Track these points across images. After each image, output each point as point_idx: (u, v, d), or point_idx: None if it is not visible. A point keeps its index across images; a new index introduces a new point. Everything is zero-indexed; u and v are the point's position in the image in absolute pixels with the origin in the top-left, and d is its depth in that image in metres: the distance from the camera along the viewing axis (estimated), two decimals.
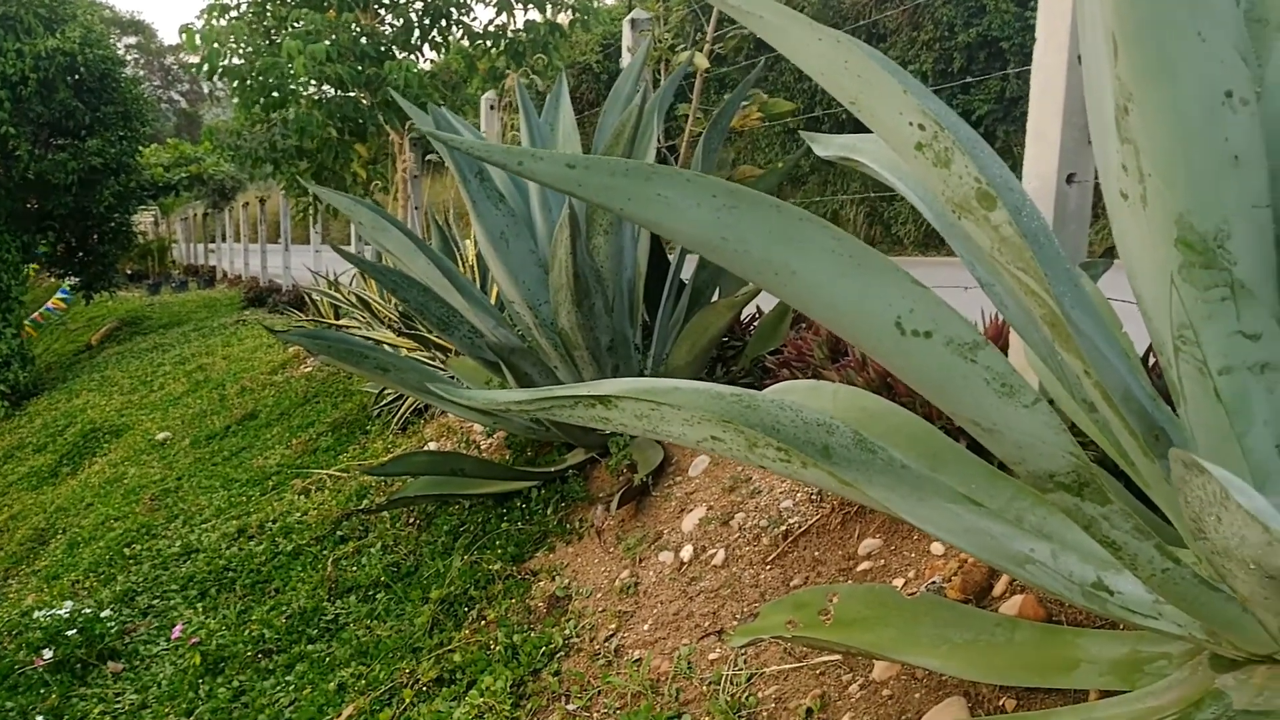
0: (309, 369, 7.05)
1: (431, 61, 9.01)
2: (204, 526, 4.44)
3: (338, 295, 6.64)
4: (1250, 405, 0.98)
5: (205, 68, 7.46)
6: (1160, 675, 1.24)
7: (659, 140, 3.28)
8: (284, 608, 3.16)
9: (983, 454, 1.37)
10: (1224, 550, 0.68)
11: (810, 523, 2.10)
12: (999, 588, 1.62)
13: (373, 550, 3.31)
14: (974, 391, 0.96)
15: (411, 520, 3.45)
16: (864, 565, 1.90)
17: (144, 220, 25.58)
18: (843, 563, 1.95)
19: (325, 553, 3.52)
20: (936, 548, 1.83)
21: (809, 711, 1.61)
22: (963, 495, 1.27)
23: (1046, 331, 1.15)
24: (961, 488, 1.33)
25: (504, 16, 8.35)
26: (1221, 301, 0.94)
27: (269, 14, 8.06)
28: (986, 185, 1.06)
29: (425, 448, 4.09)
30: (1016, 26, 12.70)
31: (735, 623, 1.94)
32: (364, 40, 7.58)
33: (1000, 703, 1.43)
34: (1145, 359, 1.66)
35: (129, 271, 22.49)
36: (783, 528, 2.14)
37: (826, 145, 1.75)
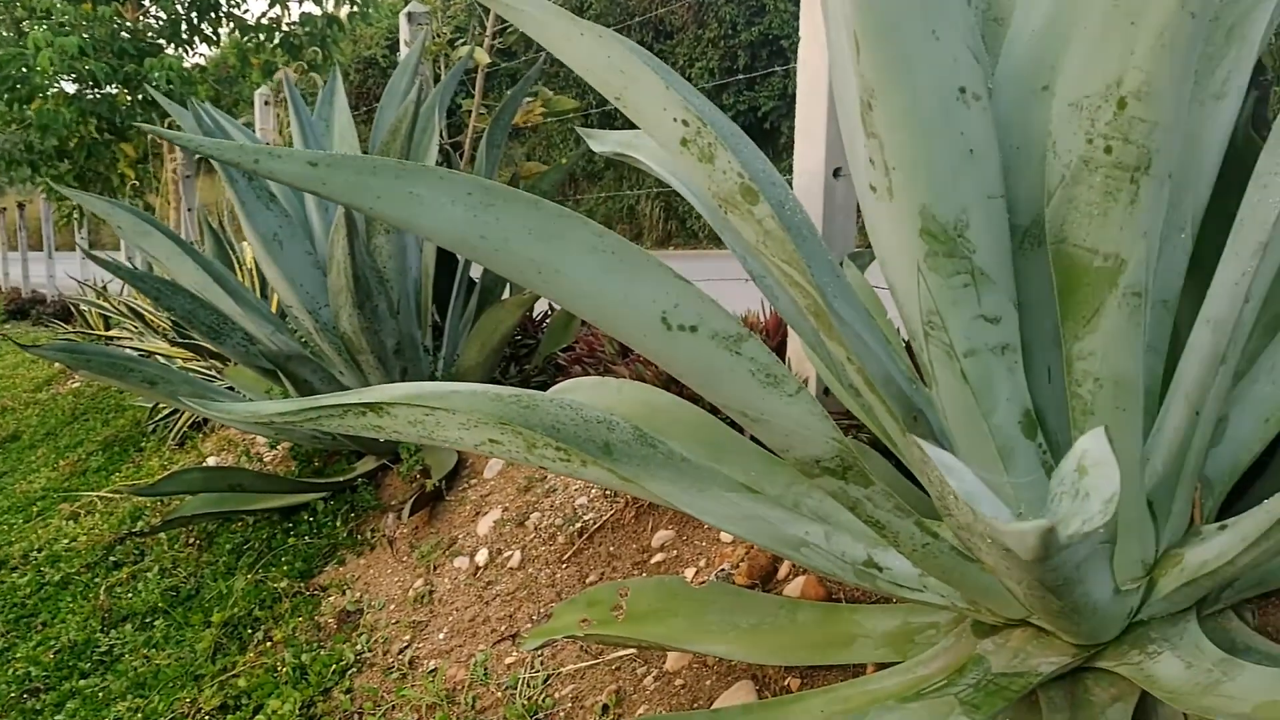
0: (77, 384, 6.57)
1: (204, 57, 8.56)
2: None
3: (106, 305, 6.22)
4: (994, 385, 1.04)
5: None
6: (930, 644, 1.30)
7: (442, 137, 3.22)
8: (52, 642, 2.92)
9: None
10: (965, 525, 0.71)
11: (605, 518, 2.11)
12: (783, 571, 1.67)
13: (149, 575, 3.11)
14: (740, 383, 0.98)
15: (191, 541, 3.26)
16: (658, 557, 1.92)
17: None
18: (637, 556, 1.97)
19: (97, 580, 3.28)
20: (726, 536, 1.86)
21: (605, 708, 1.61)
22: (742, 484, 1.29)
23: (812, 321, 1.18)
24: (742, 477, 1.36)
25: (278, 9, 8.01)
26: (964, 288, 0.99)
27: (19, 4, 7.45)
28: (749, 180, 1.08)
29: (204, 463, 3.88)
30: (794, 25, 13.19)
31: (531, 625, 1.92)
32: (125, 35, 7.10)
33: (786, 683, 1.47)
34: (909, 345, 1.74)
35: None
36: (578, 525, 2.13)
37: (603, 141, 1.75)
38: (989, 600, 1.15)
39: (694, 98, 1.20)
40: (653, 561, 1.92)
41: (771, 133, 13.73)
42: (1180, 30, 0.78)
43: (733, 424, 1.63)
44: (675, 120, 1.10)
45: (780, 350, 2.13)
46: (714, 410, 1.64)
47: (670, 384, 2.07)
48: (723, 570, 1.73)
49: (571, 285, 0.91)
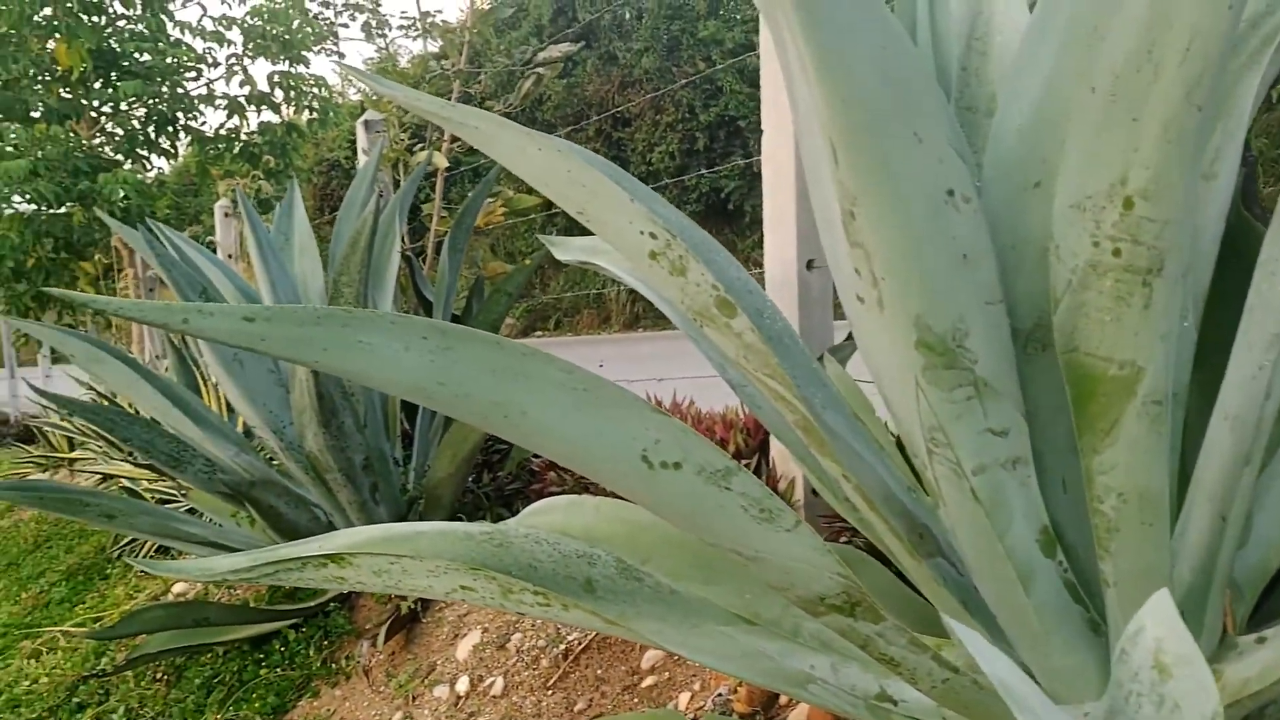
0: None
1: (159, 170, 8.53)
2: None
3: (69, 425, 6.05)
4: (1007, 502, 0.96)
5: None
6: None
7: (404, 242, 3.16)
8: None
9: None
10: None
11: (590, 638, 2.00)
12: (784, 696, 1.56)
13: (115, 717, 2.95)
14: (732, 520, 0.89)
15: (159, 676, 3.10)
16: (648, 680, 1.81)
17: None
18: (627, 679, 1.85)
19: None
20: None
21: None
22: (737, 616, 1.19)
23: (801, 436, 1.10)
24: (738, 602, 1.26)
25: (236, 119, 8.01)
26: (968, 401, 0.92)
27: None
28: (725, 292, 1.01)
29: (171, 590, 3.73)
30: (751, 106, 13.41)
31: None
32: (79, 153, 7.04)
33: None
34: (900, 442, 1.66)
35: None
36: (562, 646, 2.02)
37: (567, 249, 1.69)
38: None
39: (660, 208, 1.13)
40: (643, 685, 1.80)
41: (735, 213, 13.83)
42: (1186, 123, 0.71)
43: None
44: (642, 233, 1.02)
45: (762, 450, 2.05)
46: None
47: None
48: (720, 694, 1.62)
49: (541, 428, 0.83)
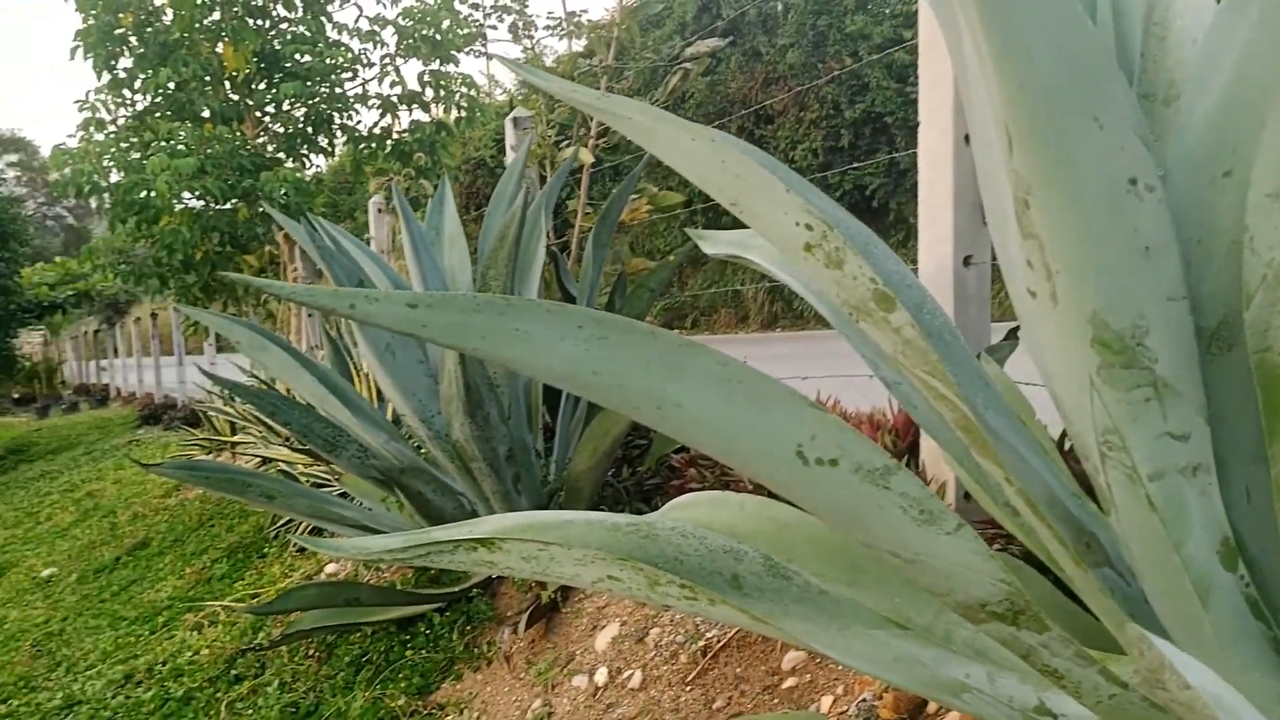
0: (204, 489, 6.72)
1: (317, 168, 8.90)
2: (89, 674, 4.11)
3: (232, 411, 6.37)
4: (1186, 511, 0.90)
5: (71, 187, 7.24)
6: None
7: (549, 237, 3.20)
8: None
9: None
10: (1186, 703, 0.59)
11: (729, 635, 1.98)
12: (933, 704, 1.52)
13: (269, 689, 3.07)
14: (890, 521, 0.86)
15: (311, 652, 3.22)
16: (789, 682, 1.78)
17: (31, 341, 24.77)
18: (767, 679, 1.83)
19: (219, 695, 3.26)
20: None
21: None
22: (887, 619, 1.16)
23: (961, 436, 1.06)
24: (886, 605, 1.23)
25: (389, 118, 8.29)
26: (1146, 403, 0.87)
27: (146, 128, 7.86)
28: (883, 286, 0.98)
29: (324, 570, 3.88)
30: (899, 102, 13.12)
31: None
32: (243, 151, 7.41)
33: None
34: (1060, 444, 1.59)
35: (15, 396, 21.63)
36: (701, 643, 2.01)
37: (715, 242, 1.68)
38: None
39: (816, 199, 1.11)
40: (784, 686, 1.78)
41: (879, 211, 13.56)
42: None
43: None
44: (798, 225, 1.00)
45: (912, 451, 1.99)
46: None
47: None
48: (864, 700, 1.58)
49: (694, 420, 0.82)
